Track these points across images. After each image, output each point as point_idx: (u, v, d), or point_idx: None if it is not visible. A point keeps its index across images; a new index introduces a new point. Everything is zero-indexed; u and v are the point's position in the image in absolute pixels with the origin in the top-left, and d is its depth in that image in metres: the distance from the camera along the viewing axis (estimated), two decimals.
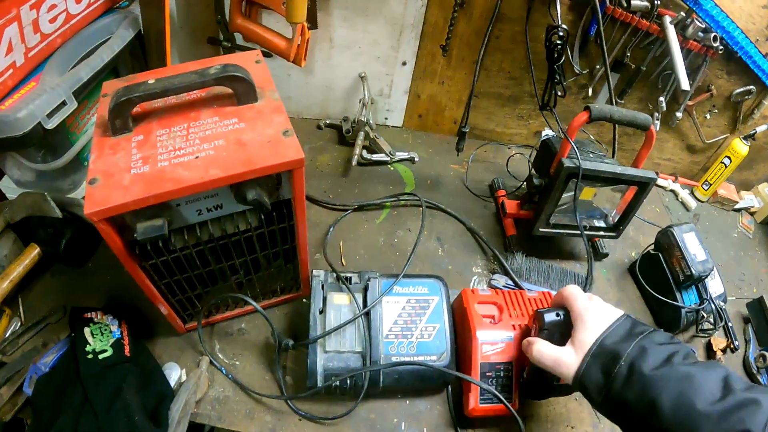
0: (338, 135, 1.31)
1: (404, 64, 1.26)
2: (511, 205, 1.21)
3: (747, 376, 1.24)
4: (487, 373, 0.90)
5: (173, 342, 0.91)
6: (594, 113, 1.00)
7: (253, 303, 0.85)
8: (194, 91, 0.74)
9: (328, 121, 1.31)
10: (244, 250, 0.81)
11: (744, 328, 1.32)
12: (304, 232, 0.83)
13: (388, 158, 1.27)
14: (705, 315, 1.20)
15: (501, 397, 0.88)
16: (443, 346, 0.92)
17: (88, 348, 0.80)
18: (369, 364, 0.86)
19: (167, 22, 0.96)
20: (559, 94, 1.08)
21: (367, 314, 0.90)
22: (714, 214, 1.54)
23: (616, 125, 1.20)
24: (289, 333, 0.97)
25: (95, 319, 0.84)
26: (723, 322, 1.24)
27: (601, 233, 1.19)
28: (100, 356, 0.79)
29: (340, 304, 0.92)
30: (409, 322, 0.93)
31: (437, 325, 0.94)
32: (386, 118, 1.39)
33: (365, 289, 0.94)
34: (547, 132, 1.38)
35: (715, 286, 1.26)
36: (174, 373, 0.86)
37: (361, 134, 1.24)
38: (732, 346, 1.25)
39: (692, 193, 1.56)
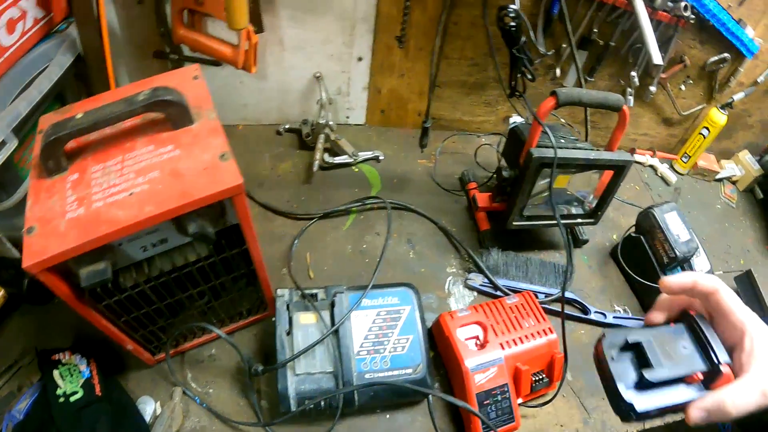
0: (299, 139, 1.20)
1: (360, 59, 1.15)
2: (482, 199, 1.10)
3: None
4: (485, 402, 0.84)
5: (145, 375, 0.85)
6: (561, 98, 0.90)
7: (217, 330, 0.77)
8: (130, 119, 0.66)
9: (287, 126, 1.20)
10: (198, 280, 0.74)
11: None
12: (259, 254, 0.76)
13: (352, 159, 1.16)
14: None
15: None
16: (418, 357, 0.85)
17: (59, 391, 0.75)
18: (341, 384, 0.79)
19: (106, 42, 0.87)
20: (529, 77, 0.96)
21: (336, 332, 0.84)
22: (695, 186, 1.45)
23: (588, 108, 1.09)
24: (260, 355, 0.90)
25: (63, 360, 0.79)
26: None
27: (579, 220, 1.10)
28: (72, 398, 0.75)
29: (307, 324, 0.85)
30: (380, 336, 0.86)
31: (410, 336, 0.87)
32: (348, 117, 1.28)
33: (332, 305, 0.87)
34: (515, 119, 1.27)
35: (700, 263, 1.17)
36: (149, 407, 0.80)
37: (321, 137, 1.14)
38: None
39: (672, 167, 1.47)
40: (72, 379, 0.76)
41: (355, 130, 1.29)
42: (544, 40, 1.13)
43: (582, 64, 1.20)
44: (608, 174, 1.04)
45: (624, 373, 0.57)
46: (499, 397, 0.85)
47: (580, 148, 1.00)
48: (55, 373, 0.76)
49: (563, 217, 1.09)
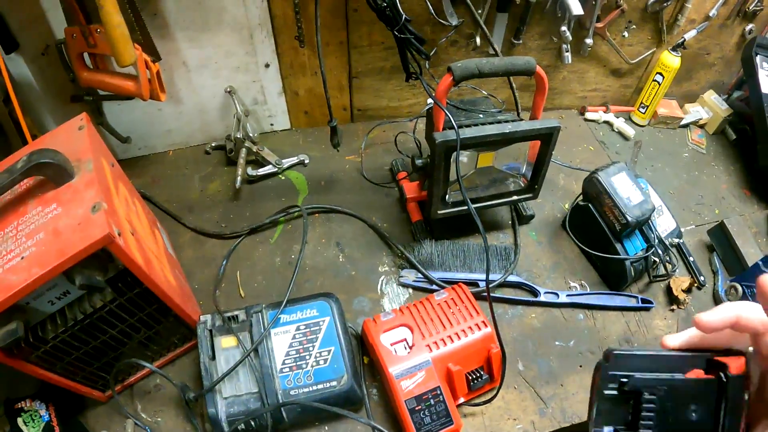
0: (226, 156, 1.15)
1: (267, 66, 1.09)
2: (410, 188, 1.03)
3: None
4: (417, 408, 0.79)
5: (102, 411, 0.85)
6: (457, 73, 0.81)
7: (148, 365, 0.78)
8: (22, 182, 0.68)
9: (214, 144, 1.15)
10: (114, 322, 0.75)
11: (709, 259, 1.11)
12: (162, 291, 0.75)
13: (276, 168, 1.10)
14: (656, 260, 0.99)
15: None
16: (341, 368, 0.81)
17: None
18: (267, 403, 0.78)
19: (14, 101, 0.85)
20: (423, 56, 0.87)
21: (256, 352, 0.81)
22: (659, 136, 1.32)
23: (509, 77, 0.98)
24: (197, 380, 0.87)
25: (25, 408, 0.81)
26: (678, 261, 1.03)
27: (515, 197, 1.00)
28: None
29: (228, 347, 0.83)
30: (301, 351, 0.83)
31: (331, 348, 0.83)
32: (272, 125, 1.22)
33: (251, 326, 0.84)
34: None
35: (664, 223, 1.06)
36: None
37: (243, 151, 1.08)
38: (697, 283, 1.05)
39: (630, 120, 1.33)
40: (34, 424, 0.79)
41: (282, 136, 1.23)
42: (453, 10, 1.02)
43: (505, 26, 1.09)
44: (535, 145, 0.93)
45: (610, 415, 0.43)
46: (432, 401, 0.79)
47: (500, 122, 0.90)
48: (19, 420, 0.79)
49: (498, 196, 0.99)
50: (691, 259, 1.08)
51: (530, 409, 0.87)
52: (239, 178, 1.06)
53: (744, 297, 1.01)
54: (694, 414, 0.41)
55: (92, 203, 0.63)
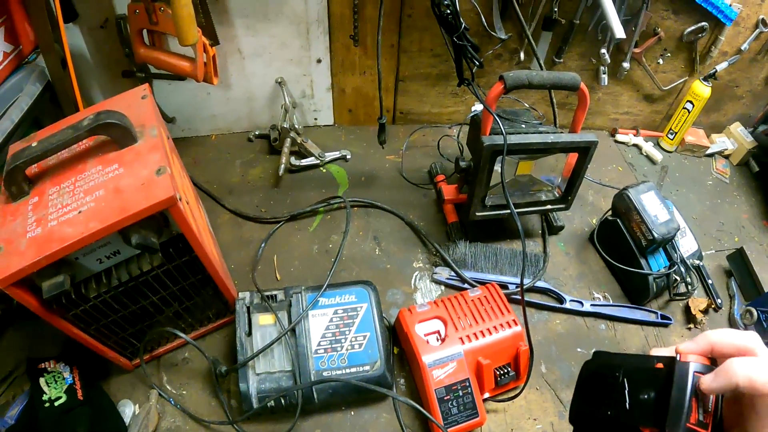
0: (269, 145, 1.18)
1: (319, 61, 1.13)
2: (448, 191, 1.06)
3: None
4: (446, 397, 0.81)
5: (125, 379, 0.87)
6: (509, 82, 0.85)
7: (183, 335, 0.80)
8: (82, 141, 0.70)
9: (257, 132, 1.19)
10: (157, 288, 0.76)
11: (727, 283, 1.15)
12: (210, 261, 0.76)
13: (319, 161, 1.14)
14: (678, 278, 1.02)
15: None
16: (375, 354, 0.84)
17: (45, 397, 0.79)
18: (299, 382, 0.80)
19: (71, 68, 0.88)
20: (476, 64, 0.91)
21: (293, 331, 0.84)
22: (684, 163, 1.36)
23: (551, 90, 1.02)
24: (228, 356, 0.90)
25: (49, 369, 0.82)
26: (697, 282, 1.06)
27: (549, 207, 1.04)
28: (56, 403, 0.79)
29: (265, 325, 0.85)
30: (337, 334, 0.85)
31: (367, 333, 0.86)
32: (316, 119, 1.26)
33: (289, 306, 0.87)
34: (477, 107, 1.21)
35: (687, 244, 1.09)
36: (128, 410, 0.83)
37: (288, 141, 1.12)
38: (714, 305, 1.08)
39: (658, 145, 1.38)
40: (56, 386, 0.80)
41: (324, 131, 1.27)
42: (502, 24, 1.07)
43: (548, 45, 1.14)
44: (573, 157, 0.98)
45: (588, 398, 0.51)
46: (461, 392, 0.82)
47: (541, 132, 0.95)
48: (42, 380, 0.80)
49: (533, 204, 1.03)
50: (709, 281, 1.12)
51: (550, 411, 0.89)
52: (283, 165, 1.09)
53: (759, 321, 1.05)
54: (650, 395, 0.45)
55: (157, 166, 0.65)
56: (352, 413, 0.85)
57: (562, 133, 0.96)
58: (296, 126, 1.12)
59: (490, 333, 0.86)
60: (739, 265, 1.13)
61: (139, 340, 0.83)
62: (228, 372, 0.82)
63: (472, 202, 0.96)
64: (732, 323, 1.09)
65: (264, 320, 0.85)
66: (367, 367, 0.82)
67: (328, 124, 1.27)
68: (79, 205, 0.63)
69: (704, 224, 1.22)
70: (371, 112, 1.24)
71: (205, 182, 1.11)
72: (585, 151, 0.95)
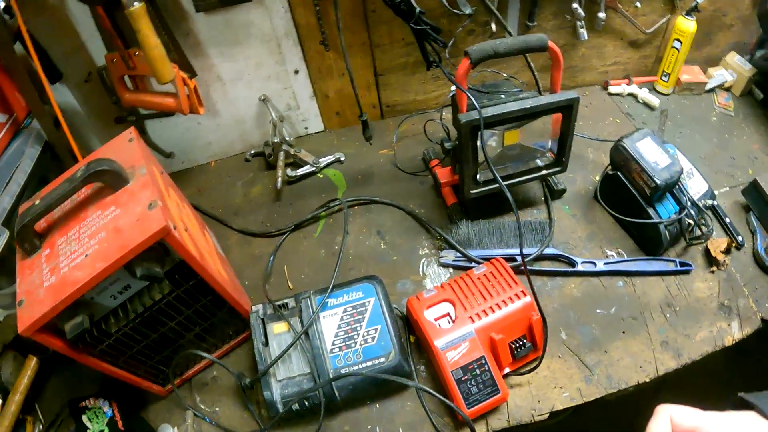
0: (266, 162, 1.21)
1: (297, 72, 1.15)
2: (443, 174, 1.06)
3: (761, 270, 1.02)
4: (463, 378, 0.81)
5: (162, 405, 0.91)
6: (474, 55, 0.85)
7: (207, 356, 0.84)
8: (81, 191, 0.74)
9: (253, 152, 1.22)
10: (172, 314, 0.80)
11: (746, 219, 1.10)
12: (217, 281, 0.80)
13: (314, 168, 1.16)
14: (691, 222, 0.99)
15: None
16: (388, 345, 0.85)
17: None
18: (318, 382, 0.82)
19: (63, 125, 0.93)
20: (440, 45, 0.91)
21: (307, 334, 0.86)
22: (684, 103, 1.31)
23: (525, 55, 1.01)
24: (252, 369, 0.92)
25: (89, 405, 0.87)
26: (713, 223, 1.03)
27: (544, 172, 1.02)
28: None
29: (280, 333, 0.88)
30: (350, 331, 0.87)
31: (378, 326, 0.87)
32: (306, 128, 1.28)
33: (300, 311, 0.89)
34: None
35: (696, 185, 1.07)
36: None
37: (281, 154, 1.14)
38: (736, 244, 1.05)
39: (653, 90, 1.33)
40: (98, 420, 0.85)
41: (317, 138, 1.29)
42: None
43: (517, 12, 1.12)
44: (557, 118, 0.96)
45: None
46: (478, 371, 0.82)
47: (520, 99, 0.93)
48: (84, 417, 0.85)
49: (528, 171, 1.02)
50: (727, 220, 1.08)
51: (576, 377, 0.88)
52: (280, 179, 1.11)
53: None
54: None
55: (149, 201, 0.68)
56: (378, 406, 0.86)
57: (541, 96, 0.94)
58: (287, 138, 1.14)
59: (500, 308, 0.86)
60: (755, 197, 1.08)
61: (168, 366, 0.86)
62: (252, 383, 0.84)
63: (464, 181, 0.96)
64: (757, 259, 1.04)
65: (278, 329, 0.88)
66: (382, 359, 0.83)
67: (319, 131, 1.29)
68: (85, 249, 0.67)
69: (714, 162, 1.17)
70: (356, 111, 1.24)
71: (211, 208, 1.15)
72: (568, 109, 0.93)
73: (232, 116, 1.18)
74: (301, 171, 1.16)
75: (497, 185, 0.97)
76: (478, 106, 0.85)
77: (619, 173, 1.02)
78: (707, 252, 1.03)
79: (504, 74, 1.09)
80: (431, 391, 0.79)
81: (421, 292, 0.90)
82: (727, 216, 1.08)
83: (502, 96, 0.97)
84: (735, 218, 1.09)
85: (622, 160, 1.00)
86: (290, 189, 1.17)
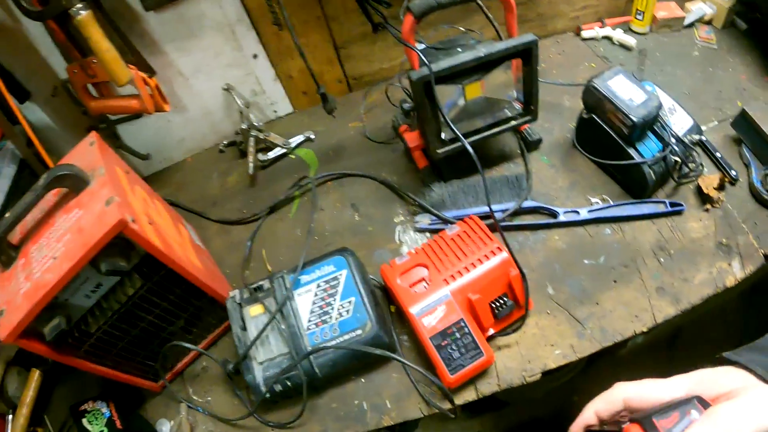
0: (239, 150, 1.20)
1: (255, 56, 1.13)
2: (412, 138, 1.03)
3: (758, 204, 0.97)
4: (443, 343, 0.78)
5: (158, 401, 0.91)
6: (416, 9, 0.83)
7: (191, 346, 0.85)
8: (48, 198, 0.76)
9: (225, 142, 1.21)
10: (149, 307, 0.80)
11: (739, 152, 1.04)
12: (187, 271, 0.81)
13: (285, 149, 1.14)
14: (678, 159, 0.94)
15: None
16: (364, 317, 0.83)
17: None
18: (296, 358, 0.81)
19: (36, 143, 0.94)
20: (385, 5, 0.88)
21: (282, 314, 0.84)
22: (663, 41, 1.25)
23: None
24: (237, 355, 0.89)
25: (88, 409, 0.88)
26: (701, 159, 0.97)
27: (513, 122, 0.98)
28: None
29: (257, 315, 0.87)
30: (324, 306, 0.85)
31: (352, 298, 0.85)
32: (275, 111, 1.26)
33: (274, 292, 0.87)
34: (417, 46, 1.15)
35: (679, 121, 1.01)
36: (165, 428, 0.88)
37: (251, 140, 1.13)
38: (729, 179, 0.99)
39: (629, 30, 1.27)
40: (97, 422, 0.87)
41: (287, 120, 1.27)
42: None
43: None
44: (517, 64, 0.92)
45: None
46: (458, 335, 0.79)
47: (476, 50, 0.90)
48: (84, 420, 0.87)
49: (496, 124, 0.97)
50: (718, 155, 1.02)
51: (567, 333, 0.85)
52: (251, 164, 1.10)
53: None
54: None
55: (106, 198, 0.69)
56: (363, 380, 0.85)
57: (499, 42, 0.90)
58: (255, 124, 1.13)
59: (475, 266, 0.83)
60: (745, 128, 1.02)
61: (157, 361, 0.86)
62: (235, 368, 0.83)
63: (429, 142, 0.92)
64: (754, 192, 0.99)
65: (254, 311, 0.87)
66: (359, 331, 0.81)
67: (288, 113, 1.27)
68: (54, 252, 0.68)
69: (700, 98, 1.12)
70: (326, 89, 1.22)
71: (191, 202, 1.14)
72: (527, 54, 0.89)
73: (199, 109, 1.17)
74: (272, 154, 1.14)
75: (469, 140, 0.95)
76: (426, 61, 0.82)
77: (593, 115, 0.97)
78: (699, 190, 0.98)
79: (461, 28, 1.05)
80: (403, 360, 0.77)
81: (394, 259, 0.87)
82: (717, 151, 1.02)
83: (459, 50, 0.93)
84: (727, 153, 1.03)
85: (594, 101, 0.96)
86: (264, 173, 1.16)
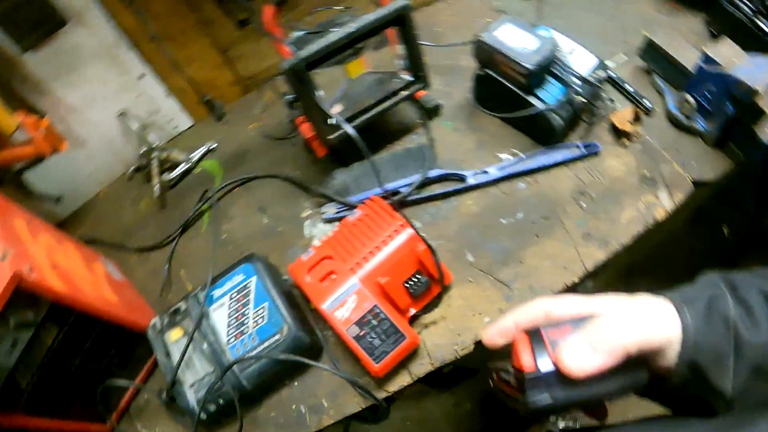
0: (146, 174, 1.15)
1: (142, 76, 1.09)
2: (306, 128, 0.99)
3: (678, 130, 0.93)
4: (361, 333, 0.75)
5: None
6: None
7: (124, 382, 0.83)
8: None
9: (132, 168, 1.16)
10: (72, 351, 0.78)
11: (651, 82, 1.00)
12: (99, 308, 0.78)
13: (189, 165, 1.10)
14: (584, 99, 0.91)
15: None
16: (279, 321, 0.79)
17: None
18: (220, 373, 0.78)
19: None
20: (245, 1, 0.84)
21: (201, 332, 0.81)
22: None
23: None
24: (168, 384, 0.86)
25: None
26: (608, 95, 0.94)
27: (405, 93, 0.94)
28: None
29: (177, 339, 0.83)
30: (239, 317, 0.82)
31: (265, 304, 0.81)
32: (176, 127, 1.21)
33: (190, 312, 0.84)
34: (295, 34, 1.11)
35: (581, 61, 0.97)
36: None
37: (154, 162, 1.09)
38: (643, 110, 0.96)
39: None
40: None
41: (190, 134, 1.22)
42: None
43: None
44: (393, 33, 0.88)
45: None
46: (375, 322, 0.75)
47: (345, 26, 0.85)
48: None
49: (387, 98, 0.93)
50: (628, 88, 0.98)
51: (494, 298, 0.81)
52: (156, 187, 1.06)
53: (699, 107, 0.90)
54: None
55: (1, 254, 0.67)
56: (296, 384, 0.81)
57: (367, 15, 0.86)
58: (154, 145, 1.09)
59: (380, 249, 0.79)
60: (653, 56, 0.98)
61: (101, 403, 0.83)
62: (168, 396, 0.80)
63: (318, 130, 0.88)
64: (671, 119, 0.95)
65: (175, 336, 0.83)
66: (277, 336, 0.77)
67: (190, 126, 1.23)
68: None
69: (606, 34, 1.08)
70: (221, 93, 1.17)
71: (108, 236, 1.09)
72: (400, 21, 0.85)
73: (100, 141, 1.12)
74: (176, 172, 1.10)
75: (354, 123, 0.91)
76: (293, 48, 0.78)
77: (488, 71, 0.93)
78: (613, 127, 0.94)
79: (338, 7, 1.00)
80: (319, 365, 0.72)
81: (300, 256, 0.83)
82: (628, 84, 0.99)
83: (336, 28, 0.89)
84: (638, 85, 0.99)
85: (485, 55, 0.91)
86: (173, 193, 1.11)
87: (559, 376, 0.43)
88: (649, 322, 0.43)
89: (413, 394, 0.80)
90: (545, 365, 0.44)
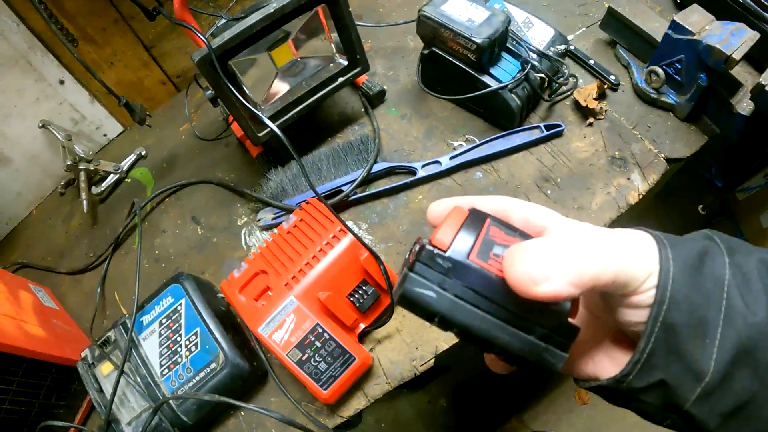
0: (77, 189, 1.05)
1: (62, 82, 0.99)
2: (237, 127, 0.89)
3: (647, 105, 0.86)
4: (304, 357, 0.65)
5: None
6: None
7: (60, 423, 0.72)
8: None
9: (63, 182, 1.06)
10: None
11: (615, 54, 0.91)
12: (16, 346, 0.69)
13: (119, 175, 1.00)
14: (543, 75, 0.82)
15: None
16: (214, 347, 0.71)
17: None
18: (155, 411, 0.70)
19: None
20: None
21: (132, 364, 0.73)
22: None
23: None
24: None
25: None
26: (567, 70, 0.85)
27: (343, 79, 0.84)
28: None
29: (108, 373, 0.74)
30: (171, 345, 0.73)
31: (197, 329, 0.72)
32: (105, 135, 1.11)
33: (119, 341, 0.75)
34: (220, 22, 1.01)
35: (538, 34, 0.89)
36: None
37: (82, 175, 0.99)
38: (609, 85, 0.87)
39: None
40: None
41: (120, 141, 1.12)
42: None
43: None
44: (321, 12, 0.78)
45: None
46: (318, 343, 0.66)
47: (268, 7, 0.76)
48: None
49: (324, 84, 0.83)
50: (591, 62, 0.89)
51: None
52: (85, 202, 0.96)
53: (668, 78, 0.81)
54: None
55: None
56: (243, 413, 0.74)
57: None
58: (81, 155, 0.98)
59: (317, 260, 0.68)
60: (617, 27, 0.89)
61: None
62: None
63: (245, 128, 0.78)
64: (639, 93, 0.86)
65: (106, 369, 0.74)
66: (213, 365, 0.69)
67: (120, 132, 1.12)
68: None
69: (562, 5, 0.99)
70: (151, 95, 1.09)
71: (40, 259, 1.00)
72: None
73: (24, 156, 1.02)
74: (105, 184, 0.99)
75: (286, 119, 0.81)
76: (204, 37, 0.68)
77: (434, 49, 0.83)
78: (577, 104, 0.86)
79: None
80: (253, 407, 0.60)
81: (233, 272, 0.73)
82: (590, 58, 0.89)
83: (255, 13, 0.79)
84: (601, 58, 0.91)
85: (431, 32, 0.81)
86: (104, 207, 1.01)
87: (463, 277, 0.31)
88: (628, 252, 0.32)
89: (385, 396, 0.71)
90: (459, 254, 0.32)
